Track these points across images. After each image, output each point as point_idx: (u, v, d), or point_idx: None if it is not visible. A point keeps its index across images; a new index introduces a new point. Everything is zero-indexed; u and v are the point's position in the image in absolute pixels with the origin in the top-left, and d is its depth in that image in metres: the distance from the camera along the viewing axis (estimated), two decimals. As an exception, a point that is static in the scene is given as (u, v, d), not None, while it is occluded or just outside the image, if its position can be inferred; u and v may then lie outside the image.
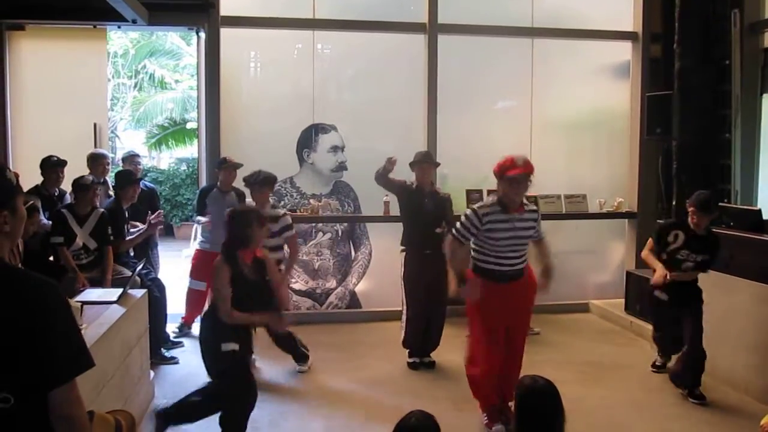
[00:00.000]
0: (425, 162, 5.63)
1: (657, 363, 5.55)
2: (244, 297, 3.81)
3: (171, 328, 6.35)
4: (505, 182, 4.15)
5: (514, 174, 4.09)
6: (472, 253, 4.36)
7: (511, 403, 4.39)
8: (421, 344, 5.62)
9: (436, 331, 5.61)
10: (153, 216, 5.97)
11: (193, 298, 6.41)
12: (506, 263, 4.24)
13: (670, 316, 5.11)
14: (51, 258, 5.53)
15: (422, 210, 5.52)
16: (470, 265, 4.37)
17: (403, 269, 5.61)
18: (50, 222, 5.62)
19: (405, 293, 5.61)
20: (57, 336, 1.63)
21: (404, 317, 5.62)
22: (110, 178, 6.56)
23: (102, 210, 5.38)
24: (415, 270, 5.52)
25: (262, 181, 5.43)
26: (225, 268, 3.79)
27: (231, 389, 3.87)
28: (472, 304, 4.32)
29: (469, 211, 4.27)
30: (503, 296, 4.22)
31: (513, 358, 4.46)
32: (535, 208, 4.40)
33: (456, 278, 4.25)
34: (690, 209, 4.91)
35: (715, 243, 4.98)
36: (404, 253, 5.64)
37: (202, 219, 6.19)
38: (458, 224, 4.30)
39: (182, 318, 6.50)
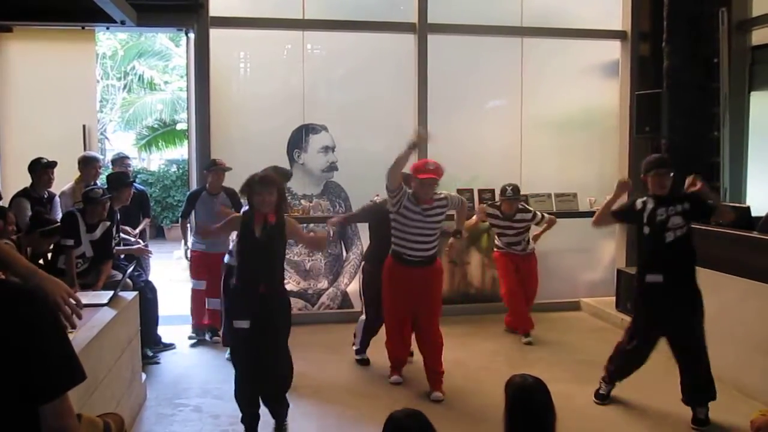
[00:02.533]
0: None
1: (601, 391, 4.89)
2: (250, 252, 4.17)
3: (172, 330, 6.37)
4: (416, 182, 4.84)
5: (424, 178, 4.79)
6: (392, 239, 4.97)
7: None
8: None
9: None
10: (140, 229, 6.02)
11: (196, 298, 6.39)
12: (417, 248, 4.86)
13: (656, 323, 4.55)
14: (41, 261, 5.50)
15: (383, 224, 5.54)
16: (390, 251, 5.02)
17: (363, 280, 5.78)
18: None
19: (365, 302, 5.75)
20: (49, 352, 1.61)
21: (362, 325, 5.74)
22: (100, 181, 6.53)
23: (109, 223, 5.36)
24: (376, 284, 5.43)
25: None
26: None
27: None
28: (385, 285, 5.05)
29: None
30: (410, 279, 4.89)
31: (425, 340, 5.05)
32: (444, 195, 4.99)
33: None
34: (650, 176, 4.47)
35: (688, 193, 4.53)
36: (364, 264, 5.84)
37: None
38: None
39: (193, 324, 6.43)
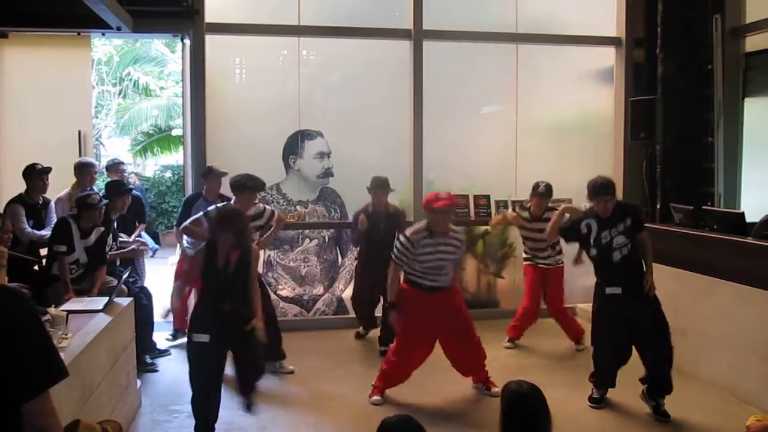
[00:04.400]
0: (379, 188, 6.19)
1: (595, 395, 4.99)
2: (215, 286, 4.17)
3: (164, 336, 6.33)
4: (431, 214, 4.78)
5: (438, 206, 4.73)
6: (406, 269, 4.91)
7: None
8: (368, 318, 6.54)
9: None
10: (136, 236, 6.04)
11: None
12: (433, 279, 4.84)
13: (619, 325, 4.74)
14: (36, 267, 5.49)
15: (377, 230, 6.14)
16: (402, 279, 4.99)
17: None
18: (36, 231, 5.58)
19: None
20: (30, 349, 1.60)
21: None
22: (96, 187, 6.50)
23: (103, 229, 5.33)
24: (367, 287, 6.30)
25: (252, 187, 5.49)
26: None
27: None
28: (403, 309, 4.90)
29: (402, 239, 4.82)
30: (429, 302, 4.84)
31: (465, 359, 5.09)
32: (459, 235, 4.95)
33: (392, 303, 4.93)
34: (595, 201, 4.70)
35: (626, 207, 4.84)
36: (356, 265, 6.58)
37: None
38: (395, 251, 4.85)
39: (174, 326, 6.42)
